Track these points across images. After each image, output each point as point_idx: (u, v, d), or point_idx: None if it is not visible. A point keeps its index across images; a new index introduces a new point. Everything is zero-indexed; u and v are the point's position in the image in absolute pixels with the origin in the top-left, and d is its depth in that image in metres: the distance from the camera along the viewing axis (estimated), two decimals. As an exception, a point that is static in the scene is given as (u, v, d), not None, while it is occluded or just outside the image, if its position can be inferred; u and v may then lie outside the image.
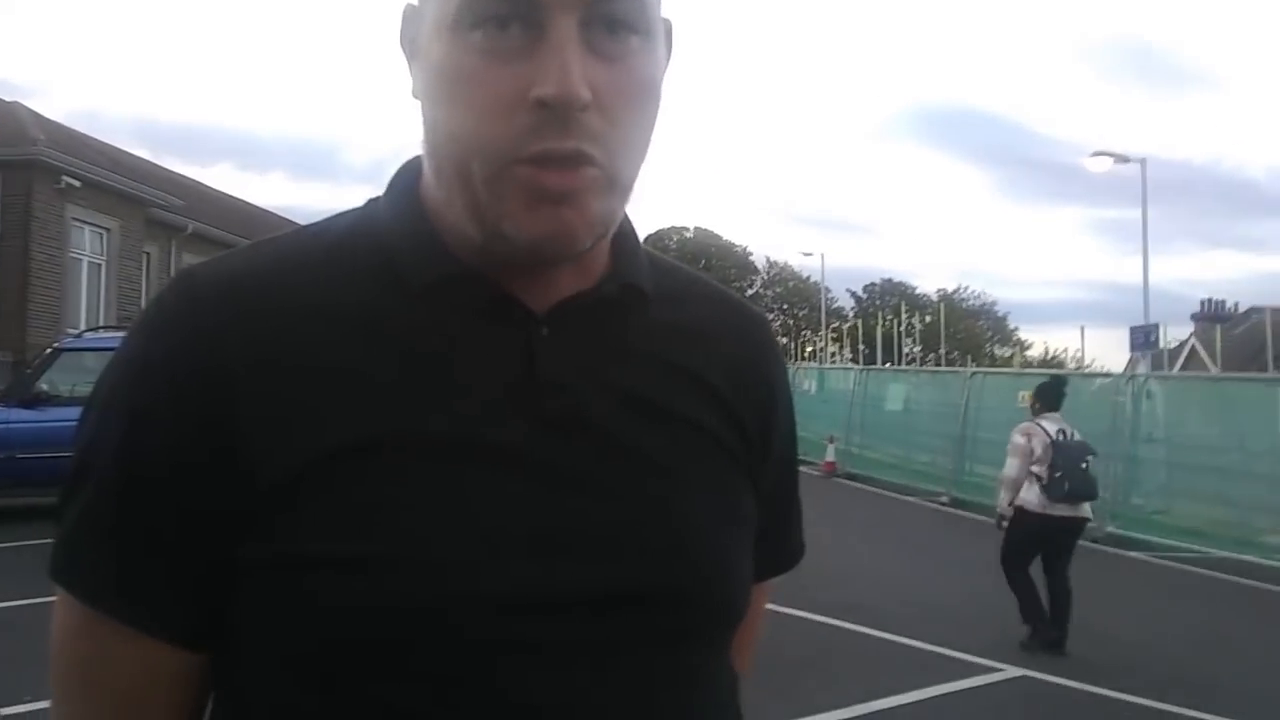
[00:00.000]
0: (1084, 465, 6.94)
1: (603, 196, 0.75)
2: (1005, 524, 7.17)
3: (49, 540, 0.80)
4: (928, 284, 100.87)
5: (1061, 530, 6.95)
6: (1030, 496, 6.97)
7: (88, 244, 19.78)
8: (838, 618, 7.20)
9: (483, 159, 0.73)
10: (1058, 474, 6.84)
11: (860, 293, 73.22)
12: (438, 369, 0.77)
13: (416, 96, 0.80)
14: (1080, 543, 7.26)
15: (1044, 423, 7.17)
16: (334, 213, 0.88)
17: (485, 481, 0.75)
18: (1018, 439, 7.22)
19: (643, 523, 0.78)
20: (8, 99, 20.74)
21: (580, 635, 0.75)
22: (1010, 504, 7.10)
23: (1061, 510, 6.89)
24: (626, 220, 0.87)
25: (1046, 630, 6.76)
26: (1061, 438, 7.00)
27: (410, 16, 0.81)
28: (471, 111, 0.73)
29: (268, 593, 0.73)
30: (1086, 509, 7.14)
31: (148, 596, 0.75)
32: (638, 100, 0.76)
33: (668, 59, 0.81)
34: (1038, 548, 6.98)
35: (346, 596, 0.71)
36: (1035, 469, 6.97)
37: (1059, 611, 6.84)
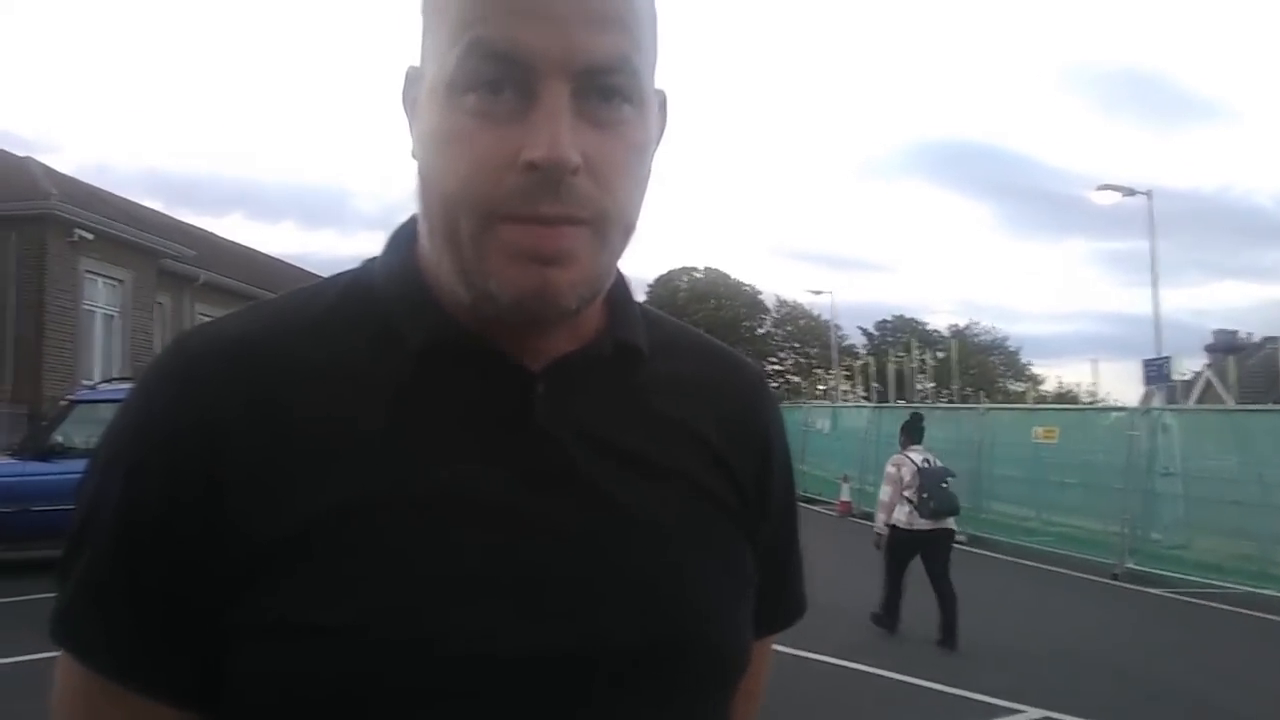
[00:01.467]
0: (944, 485, 8.39)
1: (590, 259, 0.75)
2: (882, 541, 8.45)
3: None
4: (939, 320, 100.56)
5: (930, 541, 8.26)
6: (901, 516, 8.34)
7: (101, 296, 19.94)
8: (854, 660, 7.14)
9: (470, 215, 0.74)
10: (925, 495, 8.23)
11: (872, 330, 73.27)
12: (431, 429, 0.77)
13: (415, 157, 0.80)
14: (1099, 580, 7.28)
15: (911, 454, 8.59)
16: (341, 263, 0.88)
17: (477, 543, 0.75)
18: (889, 469, 8.62)
19: (634, 580, 0.78)
20: (20, 154, 21.01)
21: (572, 694, 0.74)
22: (885, 524, 8.42)
23: (929, 525, 8.24)
24: (621, 278, 0.87)
25: (893, 623, 8.27)
26: (926, 465, 8.46)
27: (412, 77, 0.82)
28: (462, 169, 0.74)
29: (256, 656, 0.73)
30: (950, 522, 8.51)
31: (143, 657, 0.75)
32: (628, 165, 0.77)
33: (661, 130, 0.83)
34: (911, 557, 8.30)
35: (332, 663, 0.70)
36: (906, 493, 8.33)
37: (948, 615, 8.01)
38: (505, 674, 0.72)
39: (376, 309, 0.81)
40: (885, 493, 8.53)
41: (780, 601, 0.98)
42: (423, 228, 0.81)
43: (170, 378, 0.78)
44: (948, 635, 7.91)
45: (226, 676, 0.74)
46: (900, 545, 8.32)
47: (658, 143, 0.82)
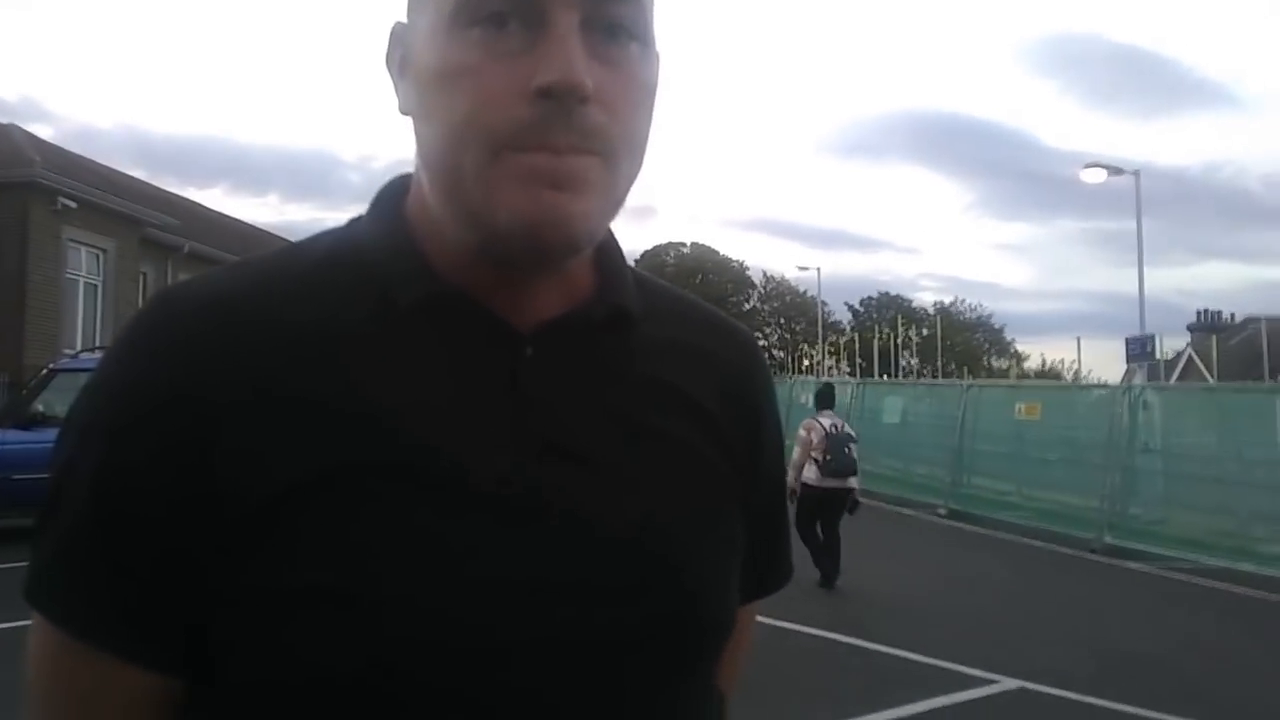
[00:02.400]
0: (847, 450, 9.43)
1: (599, 189, 0.74)
2: (794, 497, 9.15)
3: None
4: (925, 297, 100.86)
5: (833, 497, 9.33)
6: (810, 474, 9.34)
7: (84, 265, 19.77)
8: (834, 631, 7.19)
9: (475, 147, 0.72)
10: (829, 457, 9.27)
11: (857, 306, 73.34)
12: (420, 391, 0.76)
13: (406, 113, 0.79)
14: (1077, 554, 7.33)
15: (821, 419, 9.64)
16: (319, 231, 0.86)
17: (464, 508, 0.73)
18: (801, 432, 9.61)
19: (626, 544, 0.77)
20: (3, 121, 20.78)
21: (564, 659, 0.74)
22: (796, 480, 9.25)
23: (832, 483, 9.30)
24: (613, 240, 0.87)
25: (832, 574, 9.02)
26: (834, 430, 9.49)
27: (399, 33, 0.81)
28: (467, 103, 0.72)
29: (241, 622, 0.71)
30: (851, 481, 9.51)
31: (122, 622, 0.73)
32: (638, 101, 0.76)
33: (659, 81, 0.81)
34: (819, 511, 9.26)
35: (317, 631, 0.69)
36: (814, 454, 9.34)
37: (833, 559, 9.14)
38: (498, 643, 0.72)
39: (363, 268, 0.80)
40: (796, 453, 9.41)
41: (768, 567, 0.98)
42: (420, 177, 0.80)
43: (152, 338, 0.76)
44: (827, 578, 8.97)
45: (212, 643, 0.73)
46: (811, 501, 9.26)
47: (658, 85, 0.80)
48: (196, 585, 0.72)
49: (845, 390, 21.07)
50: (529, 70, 0.70)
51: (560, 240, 0.73)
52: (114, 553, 0.73)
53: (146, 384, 0.74)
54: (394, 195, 0.85)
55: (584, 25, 0.71)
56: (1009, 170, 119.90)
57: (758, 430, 0.93)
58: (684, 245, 71.62)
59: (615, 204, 0.77)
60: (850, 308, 73.28)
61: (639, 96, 0.76)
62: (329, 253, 0.82)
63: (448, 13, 0.73)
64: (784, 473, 1.00)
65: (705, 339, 0.92)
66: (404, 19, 0.80)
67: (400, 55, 0.80)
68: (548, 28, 0.71)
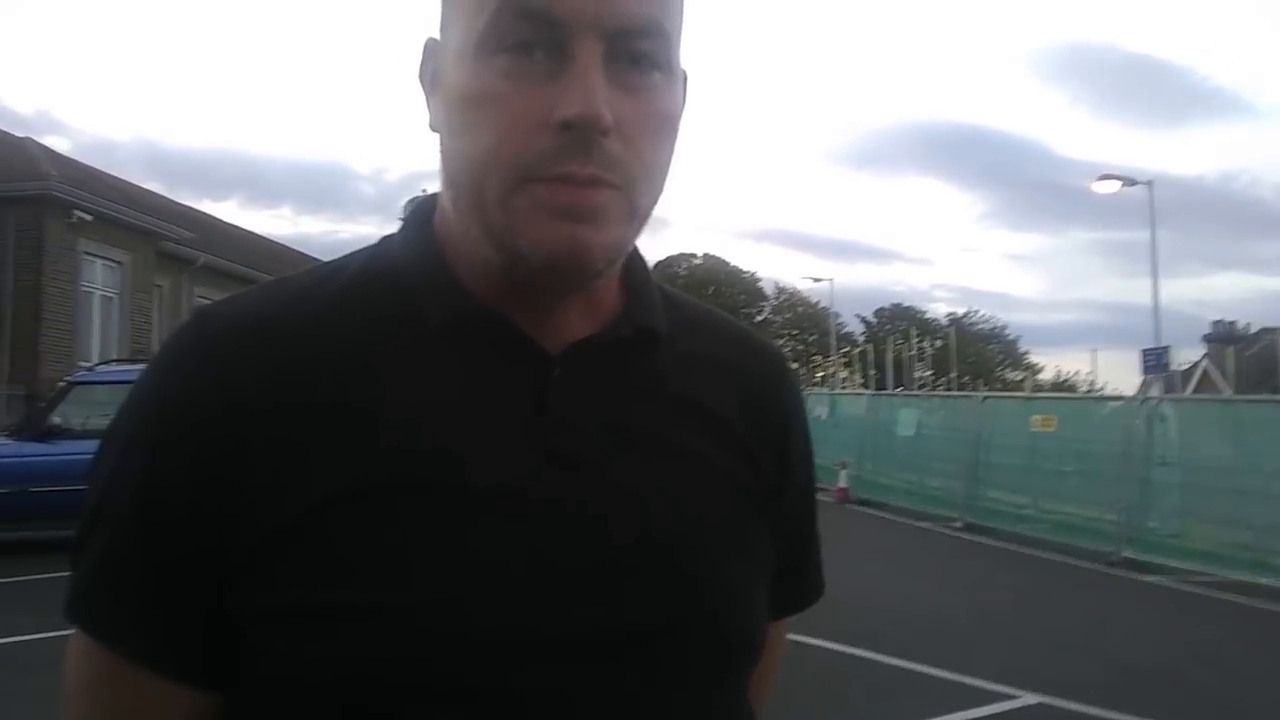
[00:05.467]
0: None
1: (619, 220, 0.75)
2: None
3: (63, 573, 0.78)
4: (938, 308, 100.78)
5: None
6: None
7: (100, 278, 19.92)
8: (851, 645, 7.15)
9: (498, 176, 0.73)
10: None
11: (870, 318, 73.23)
12: (450, 410, 0.77)
13: (435, 129, 0.80)
14: (1095, 567, 7.31)
15: None
16: (340, 246, 0.88)
17: (492, 525, 0.74)
18: None
19: (650, 562, 0.78)
20: (20, 135, 20.95)
21: (590, 677, 0.74)
22: None
23: None
24: (640, 258, 0.87)
25: None
26: None
27: (431, 49, 0.82)
28: (492, 131, 0.73)
29: (277, 636, 0.72)
30: None
31: (164, 637, 0.74)
32: (658, 132, 0.76)
33: (682, 108, 0.82)
34: None
35: (351, 643, 0.70)
36: None
37: None
38: (532, 657, 0.72)
39: (395, 286, 0.81)
40: None
41: (797, 584, 0.98)
42: (446, 197, 0.81)
43: (192, 356, 0.77)
44: None
45: (245, 658, 0.74)
46: None
47: (681, 113, 0.81)
48: (235, 597, 0.73)
49: (859, 403, 21.08)
50: (552, 100, 0.71)
51: (579, 271, 0.75)
52: (156, 568, 0.74)
53: (189, 400, 0.75)
54: (424, 214, 0.86)
55: (608, 56, 0.72)
56: (1022, 181, 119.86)
57: (786, 445, 0.93)
58: (696, 256, 71.69)
59: (636, 230, 0.79)
60: (863, 319, 73.25)
61: (660, 127, 0.77)
62: (362, 271, 0.83)
63: (475, 38, 0.74)
64: (814, 488, 1.00)
65: (732, 354, 0.92)
66: (437, 36, 0.81)
67: (432, 71, 0.81)
68: (571, 59, 0.71)
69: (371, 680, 0.70)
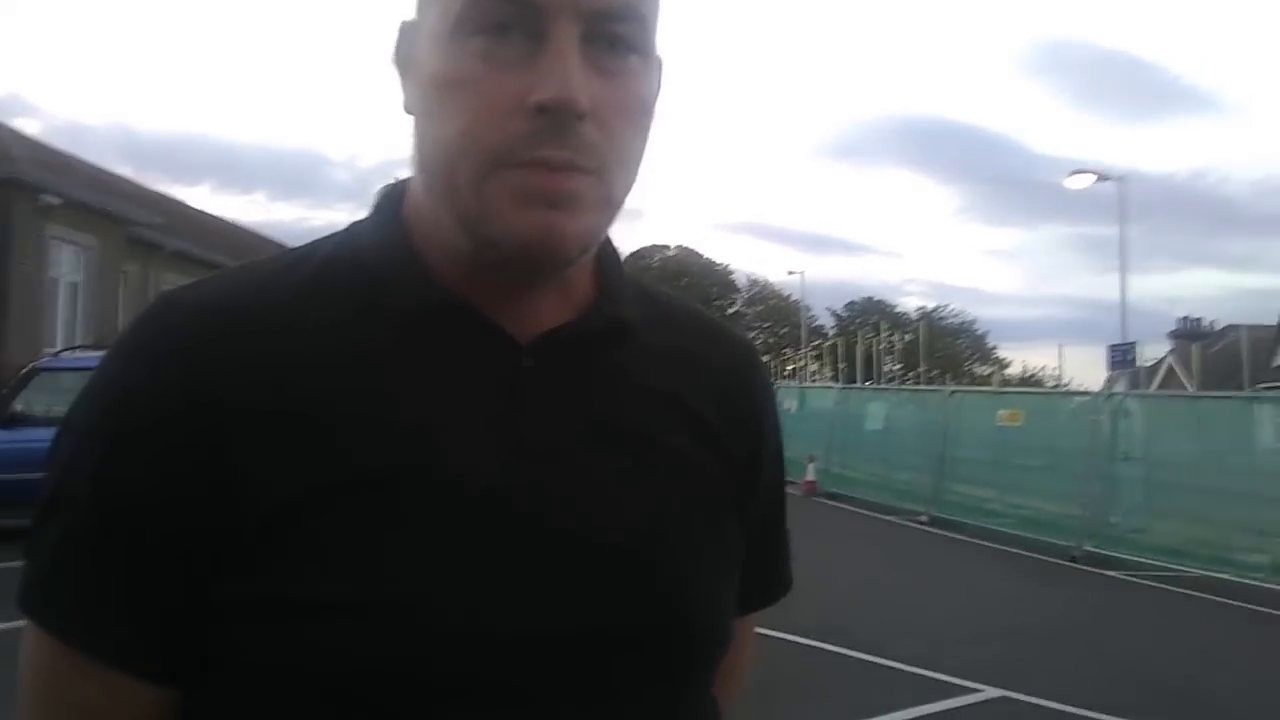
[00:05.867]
0: None
1: (593, 206, 0.74)
2: None
3: (20, 563, 0.76)
4: (909, 302, 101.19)
5: None
6: None
7: (66, 263, 19.65)
8: (816, 639, 7.18)
9: (471, 161, 0.72)
10: None
11: (841, 311, 73.49)
12: (419, 401, 0.76)
13: (409, 112, 0.79)
14: (1058, 562, 7.39)
15: None
16: (313, 234, 0.86)
17: (464, 518, 0.74)
18: None
19: (621, 556, 0.77)
20: (-14, 117, 20.63)
21: (559, 673, 0.74)
22: None
23: None
24: (612, 248, 0.87)
25: None
26: None
27: (406, 31, 0.81)
28: (465, 115, 0.72)
29: (244, 633, 0.71)
30: None
31: (122, 631, 0.72)
32: (633, 117, 0.76)
33: (658, 93, 0.81)
34: None
35: (322, 639, 0.69)
36: None
37: None
38: (497, 649, 0.72)
39: (363, 274, 0.80)
40: None
41: (765, 578, 0.98)
42: (418, 181, 0.80)
43: (156, 347, 0.75)
44: None
45: (212, 655, 0.73)
46: None
47: (657, 97, 0.80)
48: (197, 592, 0.72)
49: (828, 396, 21.15)
50: (527, 83, 0.71)
51: (552, 256, 0.74)
52: (114, 559, 0.72)
53: (151, 390, 0.74)
54: (394, 199, 0.85)
55: (585, 38, 0.72)
56: (997, 175, 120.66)
57: (758, 439, 0.93)
58: (669, 248, 71.72)
59: (610, 218, 0.78)
60: (834, 313, 73.51)
61: (635, 111, 0.76)
62: (330, 258, 0.82)
63: (451, 19, 0.73)
64: (784, 482, 1.00)
65: (705, 347, 0.92)
66: (412, 17, 0.80)
67: (405, 53, 0.81)
68: (548, 41, 0.71)
69: (338, 674, 0.69)
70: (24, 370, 11.30)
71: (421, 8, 0.78)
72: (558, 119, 0.70)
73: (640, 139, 0.78)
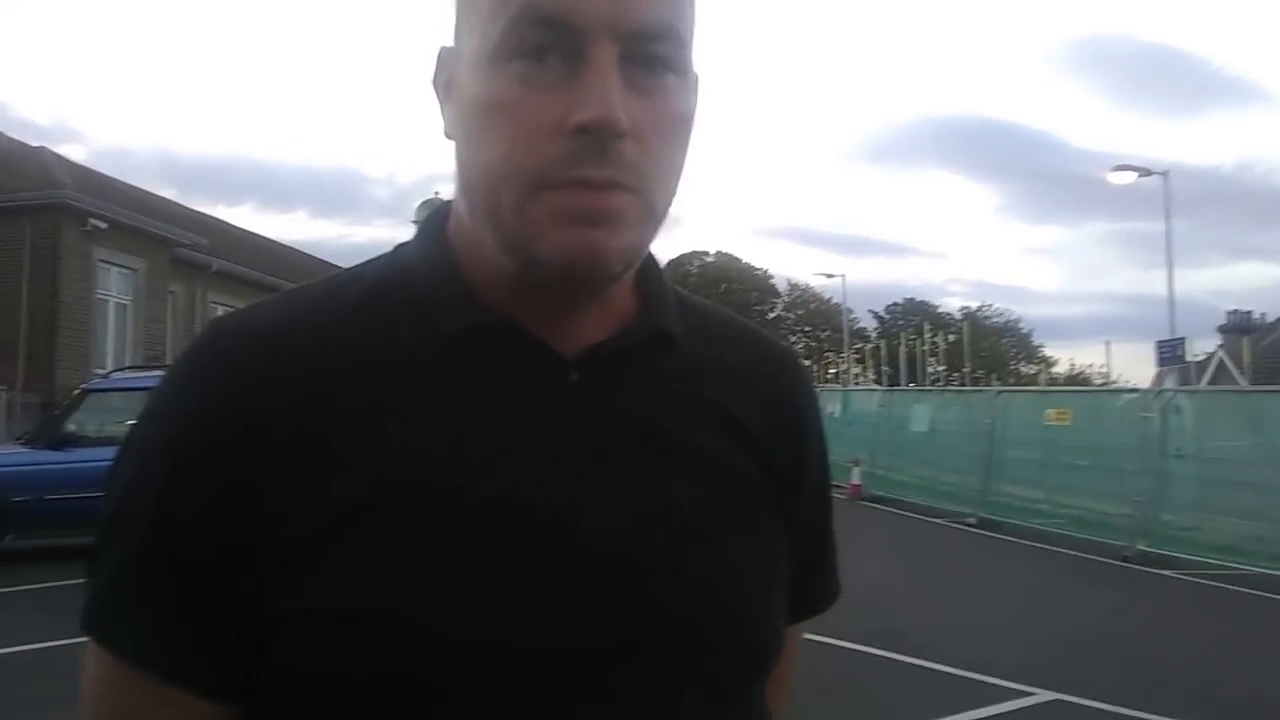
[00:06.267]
0: None
1: (635, 223, 0.75)
2: None
3: (77, 581, 0.78)
4: (952, 302, 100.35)
5: None
6: None
7: (114, 285, 20.02)
8: (865, 643, 7.15)
9: (513, 184, 0.73)
10: None
11: (883, 313, 73.10)
12: (467, 419, 0.77)
13: (450, 137, 0.80)
14: (1110, 562, 7.29)
15: None
16: (354, 250, 0.88)
17: (511, 532, 0.74)
18: None
19: (669, 567, 0.78)
20: (35, 144, 21.07)
21: (607, 683, 0.74)
22: None
23: None
24: (654, 261, 0.87)
25: None
26: None
27: (445, 57, 0.82)
28: (506, 138, 0.73)
29: (295, 647, 0.72)
30: None
31: (183, 649, 0.74)
32: (672, 134, 0.76)
33: (695, 109, 0.81)
34: None
35: (369, 653, 0.70)
36: None
37: None
38: (545, 661, 0.72)
39: (409, 294, 0.81)
40: None
41: (813, 587, 0.98)
42: (461, 205, 0.81)
43: (212, 366, 0.78)
44: None
45: (267, 668, 0.74)
46: None
47: (695, 114, 0.80)
48: (254, 609, 0.73)
49: (872, 399, 21.02)
50: (567, 105, 0.71)
51: (596, 273, 0.75)
52: (175, 579, 0.74)
53: (209, 417, 0.75)
54: (438, 221, 0.86)
55: (622, 59, 0.72)
56: (1038, 173, 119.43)
57: (802, 448, 0.93)
58: (708, 254, 71.64)
59: (651, 234, 0.78)
60: (875, 315, 73.11)
61: (674, 129, 0.77)
62: (377, 281, 0.84)
63: (490, 46, 0.74)
64: (830, 490, 1.00)
65: (746, 356, 0.92)
66: (451, 43, 0.81)
67: (446, 79, 0.82)
68: (587, 63, 0.71)
69: (390, 685, 0.70)
70: (75, 392, 11.50)
71: (460, 34, 0.79)
72: (598, 139, 0.71)
73: (679, 155, 0.78)
